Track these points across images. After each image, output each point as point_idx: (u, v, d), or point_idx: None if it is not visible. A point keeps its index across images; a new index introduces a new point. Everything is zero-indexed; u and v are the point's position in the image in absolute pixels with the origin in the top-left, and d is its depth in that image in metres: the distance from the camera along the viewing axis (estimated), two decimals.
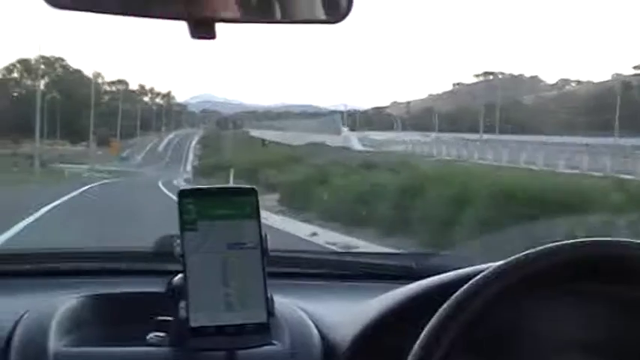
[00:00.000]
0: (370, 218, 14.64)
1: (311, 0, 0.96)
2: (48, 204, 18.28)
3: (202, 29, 0.88)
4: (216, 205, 1.11)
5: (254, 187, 1.17)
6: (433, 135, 59.77)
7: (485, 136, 61.94)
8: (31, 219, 15.07)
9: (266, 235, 1.12)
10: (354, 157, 31.78)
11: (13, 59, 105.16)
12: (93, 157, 70.82)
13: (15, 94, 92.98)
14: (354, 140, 43.92)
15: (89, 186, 30.58)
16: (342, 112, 64.92)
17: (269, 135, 72.77)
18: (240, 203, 1.12)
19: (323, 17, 0.96)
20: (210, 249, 1.10)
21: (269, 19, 0.93)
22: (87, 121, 76.05)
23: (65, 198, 20.95)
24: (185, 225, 1.10)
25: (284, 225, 14.64)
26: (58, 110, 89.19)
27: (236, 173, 27.24)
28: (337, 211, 16.24)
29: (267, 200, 20.43)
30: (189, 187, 1.26)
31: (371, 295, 1.25)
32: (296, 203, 19.18)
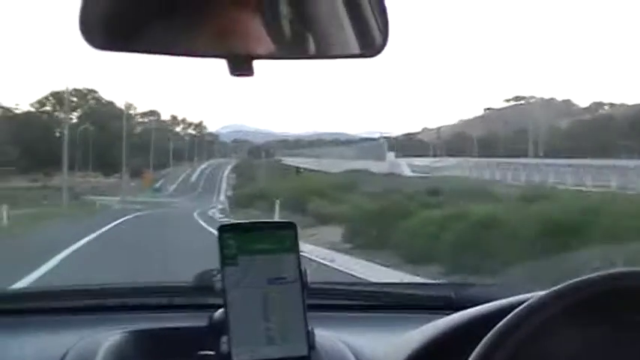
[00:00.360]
0: (496, 262, 10.38)
1: (345, 35, 0.94)
2: (77, 241, 15.76)
3: (241, 66, 0.90)
4: (256, 239, 1.11)
5: (293, 221, 1.16)
6: (474, 160, 56.60)
7: (524, 160, 58.83)
8: (57, 259, 12.83)
9: (305, 270, 1.11)
10: (409, 183, 28.87)
11: (45, 92, 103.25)
12: (125, 189, 69.09)
13: (47, 127, 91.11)
14: (403, 166, 40.97)
15: (121, 219, 28.06)
16: (386, 138, 62.03)
17: (302, 163, 70.39)
18: (279, 237, 1.12)
19: (357, 52, 0.95)
20: (250, 284, 1.10)
21: (304, 55, 0.93)
22: (120, 153, 74.67)
23: (96, 234, 18.44)
24: (226, 260, 1.09)
25: (361, 270, 11.64)
26: (91, 142, 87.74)
27: (280, 203, 24.68)
28: (432, 251, 12.34)
29: (326, 234, 17.51)
30: (227, 220, 0.83)
31: (411, 326, 1.21)
32: (366, 240, 15.20)
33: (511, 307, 0.93)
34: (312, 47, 0.93)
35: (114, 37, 0.92)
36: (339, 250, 14.71)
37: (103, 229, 20.16)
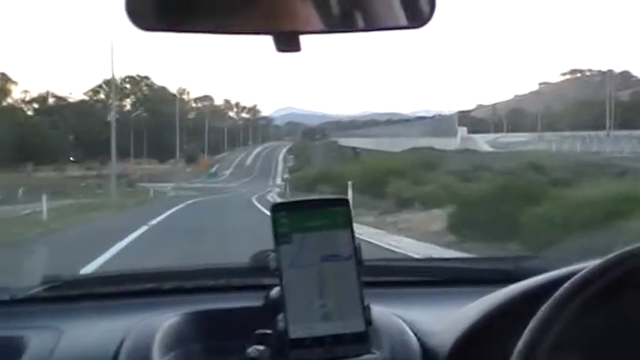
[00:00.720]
0: None
1: (392, 7, 0.93)
2: (122, 239, 12.89)
3: (288, 42, 0.89)
4: (309, 217, 1.09)
5: (346, 197, 1.13)
6: (549, 134, 52.49)
7: (592, 133, 54.64)
8: (96, 263, 10.02)
9: (360, 245, 1.09)
10: (496, 159, 25.26)
11: (99, 80, 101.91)
12: (181, 175, 67.07)
13: (101, 115, 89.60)
14: (479, 141, 37.38)
15: (176, 208, 25.38)
16: (454, 114, 58.10)
17: (359, 143, 67.30)
18: (332, 214, 1.10)
19: (405, 23, 0.95)
20: (305, 261, 1.08)
21: (352, 28, 0.92)
22: (174, 139, 73.33)
23: (145, 228, 15.76)
24: (279, 238, 1.08)
25: None
26: (145, 129, 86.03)
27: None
28: (580, 244, 9.04)
29: (420, 223, 14.30)
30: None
31: (468, 300, 1.19)
32: (479, 230, 11.31)
33: (568, 277, 0.91)
34: (359, 21, 0.91)
35: (161, 18, 0.90)
36: (445, 245, 11.35)
37: (155, 221, 17.22)
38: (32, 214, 21.06)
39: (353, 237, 1.09)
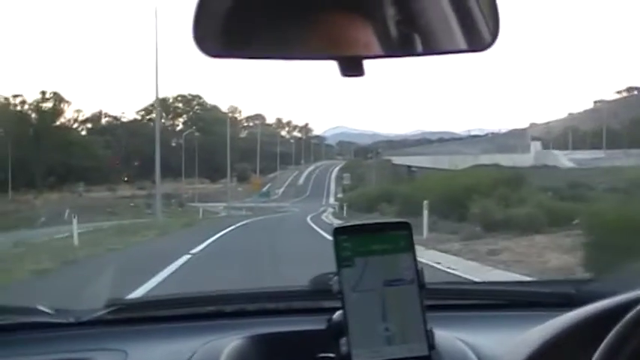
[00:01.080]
0: None
1: (452, 31, 0.92)
2: (164, 268, 10.35)
3: (352, 67, 0.89)
4: (371, 240, 1.08)
5: (407, 221, 1.11)
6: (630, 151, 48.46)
7: None
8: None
9: (422, 269, 1.07)
10: (587, 176, 21.91)
11: (150, 99, 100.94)
12: (232, 195, 65.02)
13: (153, 135, 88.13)
14: (561, 157, 33.70)
15: (226, 230, 22.77)
16: (494, 134, 54.04)
17: (413, 161, 64.31)
18: (394, 238, 1.08)
19: (465, 47, 0.93)
20: (367, 285, 1.06)
21: (412, 53, 0.91)
22: (225, 159, 71.43)
23: (187, 257, 12.94)
24: (342, 262, 1.06)
25: None
26: (197, 148, 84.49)
27: (415, 206, 18.68)
28: None
29: (526, 253, 11.16)
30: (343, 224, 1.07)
31: (530, 324, 1.14)
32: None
33: (634, 302, 0.87)
34: (418, 45, 0.91)
35: (227, 45, 0.91)
36: None
37: (199, 248, 14.52)
38: (65, 239, 18.60)
39: (415, 260, 1.07)
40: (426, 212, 15.79)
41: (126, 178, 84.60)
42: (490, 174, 21.19)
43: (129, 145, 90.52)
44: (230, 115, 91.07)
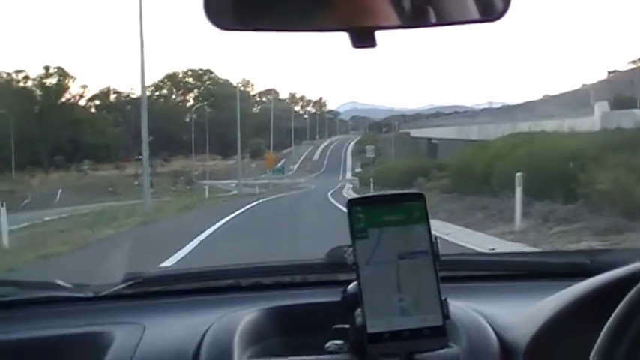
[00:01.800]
0: None
1: (465, 1, 0.90)
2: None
3: (364, 39, 0.86)
4: (385, 212, 1.05)
5: (421, 192, 1.09)
6: None
7: None
8: None
9: (437, 239, 1.05)
10: None
11: (161, 75, 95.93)
12: (246, 171, 60.43)
13: (164, 111, 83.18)
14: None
15: (236, 213, 18.18)
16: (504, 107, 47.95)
17: (435, 133, 58.91)
18: (408, 209, 1.06)
19: (478, 17, 0.91)
20: (381, 256, 1.04)
21: (425, 23, 0.89)
22: (239, 134, 67.20)
23: (180, 254, 8.86)
24: (356, 234, 1.04)
25: None
26: (208, 124, 79.70)
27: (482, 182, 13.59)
28: None
29: None
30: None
31: (545, 293, 1.14)
32: None
33: None
34: (431, 15, 0.88)
35: (238, 18, 0.88)
36: None
37: (186, 249, 9.57)
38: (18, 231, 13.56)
39: (429, 231, 1.05)
40: (519, 191, 10.65)
41: (139, 157, 79.76)
42: (595, 138, 15.78)
43: (138, 121, 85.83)
44: (242, 88, 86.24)
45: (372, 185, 32.00)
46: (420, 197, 1.07)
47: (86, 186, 52.52)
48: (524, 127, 34.47)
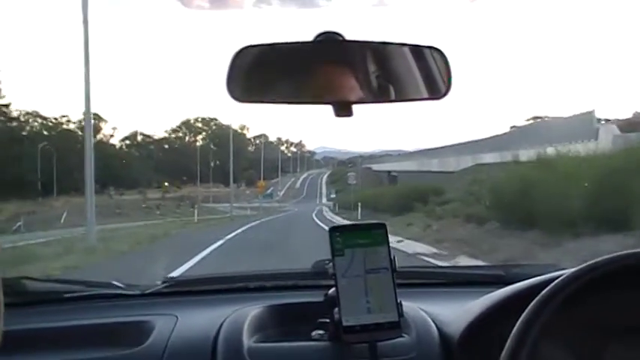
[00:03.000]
0: None
1: (417, 82, 0.90)
2: None
3: (343, 110, 0.86)
4: (357, 236, 1.07)
5: (383, 222, 1.09)
6: None
7: None
8: None
9: (395, 257, 1.07)
10: None
11: (178, 122, 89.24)
12: (242, 197, 53.57)
13: (178, 149, 76.12)
14: None
15: (226, 238, 12.04)
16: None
17: (394, 167, 52.34)
18: (374, 234, 1.08)
19: (426, 96, 0.91)
20: (354, 270, 1.06)
21: (387, 99, 0.89)
22: (237, 167, 61.52)
23: None
24: (335, 252, 1.06)
25: None
26: (213, 159, 72.58)
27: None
28: None
29: None
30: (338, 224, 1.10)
31: (472, 297, 1.16)
32: None
33: (547, 282, 0.86)
34: (392, 93, 0.89)
35: (251, 94, 0.89)
36: None
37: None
38: None
39: (389, 252, 1.06)
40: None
41: (166, 183, 72.28)
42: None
43: (159, 157, 78.79)
44: (239, 131, 79.39)
45: (359, 210, 24.86)
46: (382, 226, 1.08)
47: (100, 207, 45.79)
48: (489, 158, 27.83)
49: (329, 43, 0.85)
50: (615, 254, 0.84)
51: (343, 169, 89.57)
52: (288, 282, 1.52)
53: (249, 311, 1.26)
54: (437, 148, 43.76)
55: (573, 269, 0.85)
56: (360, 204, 25.00)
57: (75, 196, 56.47)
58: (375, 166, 67.96)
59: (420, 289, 1.47)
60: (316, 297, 1.18)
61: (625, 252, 0.84)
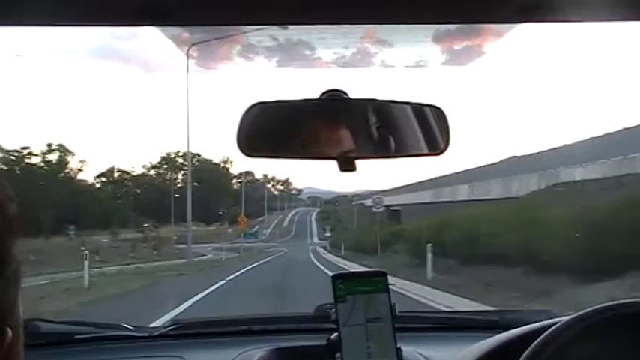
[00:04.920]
0: None
1: (418, 140, 0.90)
2: None
3: (347, 165, 0.86)
4: (358, 284, 1.09)
5: (383, 270, 1.12)
6: None
7: None
8: None
9: (395, 304, 1.08)
10: None
11: (158, 157, 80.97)
12: (224, 236, 45.36)
13: (159, 186, 67.73)
14: None
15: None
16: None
17: (392, 201, 44.34)
18: (375, 282, 1.09)
19: (426, 152, 0.91)
20: (356, 320, 1.08)
21: (389, 155, 0.90)
22: (218, 205, 53.86)
23: None
24: (338, 298, 1.08)
25: None
26: (194, 196, 64.41)
27: None
28: None
29: None
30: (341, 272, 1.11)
31: (469, 342, 1.13)
32: None
33: (544, 329, 0.86)
34: (394, 149, 0.88)
35: (258, 147, 0.89)
36: None
37: None
38: None
39: (390, 298, 1.07)
40: None
41: (146, 224, 63.22)
42: None
43: (137, 195, 70.36)
44: (222, 165, 71.48)
45: (378, 249, 16.77)
46: (383, 274, 1.09)
47: (72, 249, 37.68)
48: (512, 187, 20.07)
49: (334, 100, 0.85)
50: (607, 303, 0.85)
51: (332, 207, 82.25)
52: (292, 325, 1.50)
53: (254, 354, 1.24)
54: (449, 175, 35.48)
55: (566, 318, 0.85)
56: (379, 246, 16.77)
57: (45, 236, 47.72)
58: (369, 201, 59.61)
59: (418, 333, 1.45)
60: (319, 340, 1.15)
61: (616, 302, 0.85)
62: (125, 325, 1.48)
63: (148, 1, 0.63)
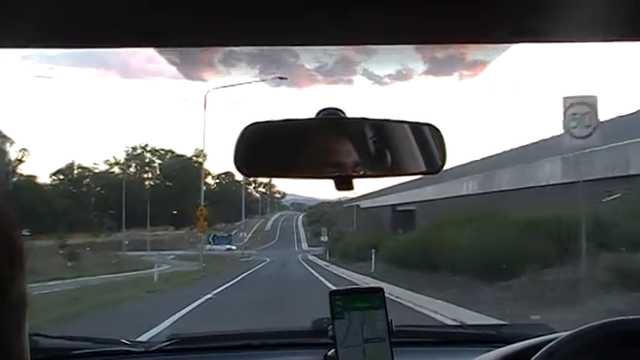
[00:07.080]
0: None
1: (414, 158, 0.89)
2: None
3: (344, 184, 0.85)
4: (356, 300, 1.08)
5: (381, 287, 1.11)
6: None
7: None
8: None
9: (391, 320, 1.07)
10: None
11: (119, 154, 69.27)
12: (190, 240, 34.78)
13: (123, 185, 56.27)
14: None
15: None
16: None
17: (400, 198, 33.73)
18: (372, 298, 1.09)
19: (423, 170, 0.89)
20: (353, 340, 1.06)
21: (387, 174, 0.89)
22: (192, 207, 43.60)
23: None
24: (335, 314, 1.07)
25: None
26: (165, 197, 53.55)
27: None
28: None
29: None
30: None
31: (465, 356, 1.11)
32: None
33: (540, 346, 0.85)
34: (390, 168, 0.86)
35: (256, 166, 0.88)
36: None
37: None
38: None
39: (386, 314, 1.06)
40: None
41: (109, 227, 51.62)
42: None
43: (97, 194, 58.79)
44: (195, 158, 60.35)
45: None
46: (380, 290, 1.08)
47: None
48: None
49: (330, 119, 0.84)
50: (605, 320, 0.83)
51: (321, 209, 71.41)
52: (289, 339, 1.47)
53: None
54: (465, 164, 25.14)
55: (565, 334, 0.84)
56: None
57: None
58: (366, 202, 47.84)
59: (415, 347, 1.42)
60: (316, 355, 1.14)
61: (613, 319, 0.84)
62: (122, 340, 1.43)
63: (149, 23, 0.62)
